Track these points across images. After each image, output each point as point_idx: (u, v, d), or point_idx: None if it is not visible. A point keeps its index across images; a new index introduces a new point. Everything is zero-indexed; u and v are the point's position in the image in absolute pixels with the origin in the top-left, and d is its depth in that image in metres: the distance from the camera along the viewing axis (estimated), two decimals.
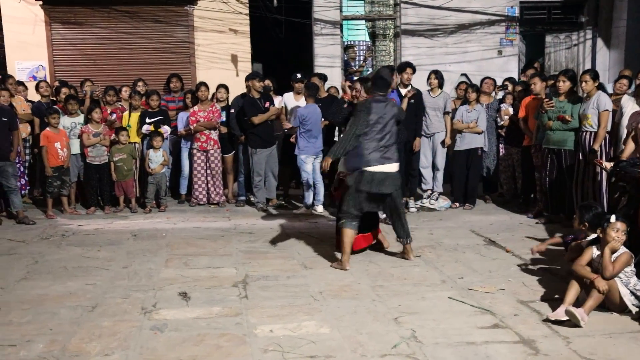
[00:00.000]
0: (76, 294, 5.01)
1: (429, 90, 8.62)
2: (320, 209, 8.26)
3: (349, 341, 3.99)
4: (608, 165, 6.13)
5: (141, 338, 4.09)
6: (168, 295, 4.95)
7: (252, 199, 8.77)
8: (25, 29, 10.48)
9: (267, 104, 8.51)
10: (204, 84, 8.92)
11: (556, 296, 4.70)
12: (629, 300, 4.33)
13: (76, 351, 3.88)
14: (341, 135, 6.24)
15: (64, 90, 8.93)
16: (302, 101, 8.51)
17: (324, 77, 9.24)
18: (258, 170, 8.44)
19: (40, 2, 10.55)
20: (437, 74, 8.61)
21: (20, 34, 10.50)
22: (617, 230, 4.44)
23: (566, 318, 4.19)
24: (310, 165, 8.17)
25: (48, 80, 10.35)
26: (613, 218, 4.52)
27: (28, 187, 8.81)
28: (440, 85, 8.60)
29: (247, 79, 8.63)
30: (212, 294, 4.97)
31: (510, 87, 9.04)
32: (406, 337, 4.03)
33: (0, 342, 4.02)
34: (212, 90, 9.12)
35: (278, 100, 9.04)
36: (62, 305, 4.73)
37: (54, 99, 9.05)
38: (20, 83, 9.11)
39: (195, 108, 8.79)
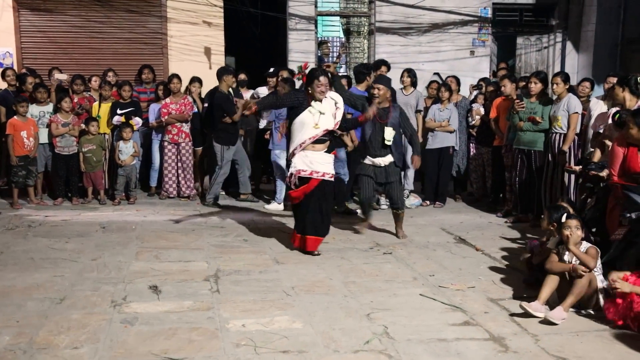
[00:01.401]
0: (44, 285, 4.92)
1: (401, 89, 8.67)
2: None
3: (321, 336, 3.99)
4: (578, 168, 6.26)
5: (111, 331, 4.03)
6: (138, 288, 4.89)
7: (208, 194, 8.57)
8: None
9: (236, 101, 8.43)
10: (176, 75, 8.82)
11: (524, 295, 4.78)
12: (602, 293, 4.43)
13: (44, 344, 3.81)
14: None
15: (30, 79, 8.73)
16: None
17: (293, 73, 9.23)
18: (226, 167, 8.37)
19: None
20: (410, 73, 8.67)
21: None
22: (569, 227, 4.56)
23: (541, 314, 4.27)
24: (284, 160, 8.14)
25: (15, 67, 10.11)
26: (564, 217, 4.65)
27: None
28: (413, 84, 8.66)
29: (221, 73, 8.52)
30: (184, 288, 4.93)
31: (484, 88, 9.14)
32: (378, 333, 4.06)
33: None
34: (185, 82, 9.03)
35: (248, 95, 9.00)
36: (29, 297, 4.63)
37: (20, 87, 8.82)
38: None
39: (168, 100, 8.69)
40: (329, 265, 5.62)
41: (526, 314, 4.31)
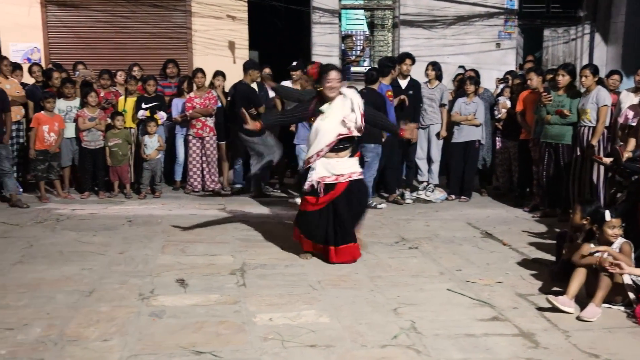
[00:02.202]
0: (72, 278, 4.97)
1: (426, 82, 8.61)
2: None
3: (348, 331, 3.98)
4: (607, 160, 6.13)
5: (139, 324, 4.06)
6: (165, 281, 4.92)
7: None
8: (21, 11, 10.34)
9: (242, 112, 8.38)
10: (200, 70, 8.86)
11: (554, 288, 4.72)
12: (631, 290, 4.34)
13: (74, 336, 3.85)
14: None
15: (56, 74, 8.82)
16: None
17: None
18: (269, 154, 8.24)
19: None
20: (435, 66, 8.61)
21: (15, 16, 10.35)
22: (613, 227, 4.46)
23: (569, 309, 4.21)
24: None
25: (42, 63, 10.24)
26: (608, 215, 4.51)
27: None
28: (438, 77, 8.60)
29: (248, 67, 8.51)
30: (210, 282, 4.94)
31: (510, 81, 9.03)
32: (406, 328, 4.03)
33: None
34: (209, 76, 9.05)
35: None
36: (58, 290, 4.69)
37: (47, 82, 8.92)
38: (17, 66, 8.99)
39: (192, 94, 8.73)
40: None
41: (555, 309, 4.25)
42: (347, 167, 5.40)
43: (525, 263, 5.57)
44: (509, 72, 9.49)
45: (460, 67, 10.46)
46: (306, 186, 5.39)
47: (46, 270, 5.18)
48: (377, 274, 5.19)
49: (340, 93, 5.37)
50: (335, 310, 4.34)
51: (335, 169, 5.35)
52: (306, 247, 5.60)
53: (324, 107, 5.34)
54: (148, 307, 4.36)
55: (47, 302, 4.43)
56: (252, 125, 5.50)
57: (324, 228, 5.40)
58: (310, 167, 5.40)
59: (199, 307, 4.38)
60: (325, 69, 5.39)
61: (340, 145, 5.35)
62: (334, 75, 5.30)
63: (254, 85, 8.50)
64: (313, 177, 5.34)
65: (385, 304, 4.49)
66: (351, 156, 5.48)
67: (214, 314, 4.26)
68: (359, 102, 5.39)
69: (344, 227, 5.38)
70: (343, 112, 5.33)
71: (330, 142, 5.31)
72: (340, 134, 5.31)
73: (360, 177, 5.50)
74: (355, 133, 5.39)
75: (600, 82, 7.26)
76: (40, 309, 4.28)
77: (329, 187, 5.37)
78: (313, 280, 4.99)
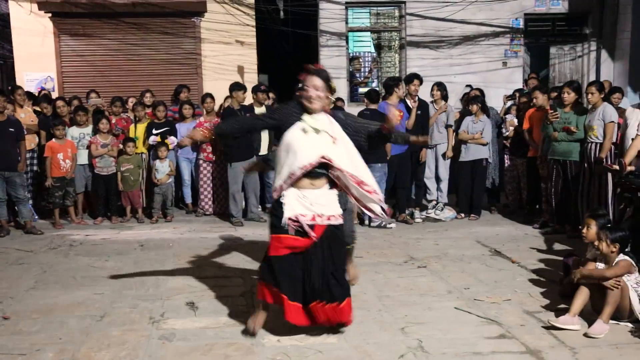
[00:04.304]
0: (85, 303, 5.05)
1: (432, 102, 8.69)
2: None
3: (356, 351, 4.01)
4: (616, 166, 6.12)
5: (150, 347, 4.12)
6: (176, 304, 4.98)
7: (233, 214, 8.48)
8: (35, 41, 10.59)
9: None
10: (209, 95, 9.01)
11: (561, 306, 4.72)
12: (637, 307, 4.34)
13: None
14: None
15: (60, 102, 8.93)
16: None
17: None
18: (233, 186, 8.32)
19: (50, 15, 10.68)
20: (440, 86, 8.70)
21: (29, 46, 10.62)
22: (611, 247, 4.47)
23: (573, 327, 4.22)
24: None
25: (56, 91, 10.46)
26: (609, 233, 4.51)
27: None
28: (444, 97, 8.67)
29: (231, 89, 8.53)
30: (220, 304, 4.99)
31: (517, 99, 9.08)
32: (413, 347, 4.05)
33: (10, 352, 4.06)
34: (219, 100, 9.19)
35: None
36: (71, 315, 4.76)
37: (55, 111, 9.06)
38: (31, 96, 9.19)
39: (202, 119, 8.86)
40: (363, 279, 5.62)
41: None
42: (326, 205, 4.12)
43: (534, 280, 5.57)
44: (517, 90, 9.55)
45: (467, 86, 10.54)
46: (284, 222, 4.03)
47: (59, 295, 5.26)
48: (385, 294, 5.22)
49: (324, 112, 4.17)
50: (343, 330, 4.37)
51: (312, 205, 4.07)
52: (271, 298, 4.19)
53: (306, 117, 4.09)
54: (158, 331, 4.42)
55: (60, 327, 4.51)
56: (198, 134, 4.48)
57: (303, 280, 4.11)
58: (280, 198, 4.11)
59: (208, 330, 4.43)
60: (308, 71, 4.15)
61: (318, 170, 4.06)
62: (316, 82, 4.08)
63: (258, 106, 8.58)
64: (288, 214, 4.04)
65: (393, 323, 4.52)
66: (330, 188, 4.20)
67: (223, 336, 4.31)
68: (340, 131, 4.16)
69: (313, 281, 4.08)
70: (334, 131, 4.11)
71: (306, 165, 3.99)
72: (323, 157, 4.01)
73: (341, 221, 4.20)
74: (338, 167, 4.06)
75: (606, 98, 7.29)
76: (53, 334, 4.35)
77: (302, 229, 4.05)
78: None
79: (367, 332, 4.33)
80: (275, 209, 4.14)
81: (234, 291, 5.33)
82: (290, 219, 4.03)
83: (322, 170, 4.07)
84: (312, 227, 4.04)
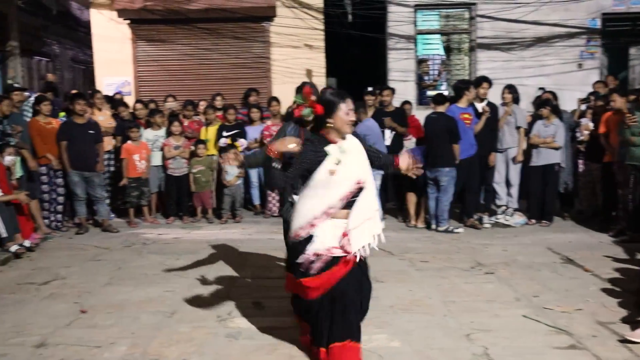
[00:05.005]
0: (156, 300, 5.23)
1: (502, 105, 8.51)
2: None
3: (419, 356, 3.99)
4: None
5: (216, 345, 4.23)
6: (242, 304, 5.08)
7: None
8: (113, 47, 11.03)
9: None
10: (275, 99, 9.16)
11: (638, 318, 4.54)
12: None
13: (156, 355, 4.07)
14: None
15: (138, 105, 9.40)
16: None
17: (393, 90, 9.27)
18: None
19: (128, 21, 11.11)
20: (511, 89, 8.51)
21: (108, 52, 11.07)
22: None
23: None
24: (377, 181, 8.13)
25: (132, 95, 10.87)
26: None
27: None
28: (515, 100, 8.47)
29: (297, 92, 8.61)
30: (286, 305, 5.04)
31: (592, 102, 8.78)
32: (478, 355, 4.00)
33: (86, 343, 4.26)
34: (289, 103, 9.31)
35: None
36: (143, 310, 4.95)
37: (133, 115, 9.45)
38: (109, 99, 9.60)
39: (269, 122, 9.01)
40: (428, 284, 5.59)
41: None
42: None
43: (608, 290, 5.37)
44: (592, 93, 9.22)
45: (540, 89, 10.26)
46: (304, 259, 3.68)
47: (132, 291, 5.48)
48: (450, 299, 5.16)
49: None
50: (407, 334, 4.36)
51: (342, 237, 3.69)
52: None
53: (332, 148, 3.67)
54: (225, 329, 4.53)
55: (132, 321, 4.69)
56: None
57: (322, 322, 3.79)
58: (308, 235, 3.68)
59: (274, 330, 4.50)
60: (338, 97, 3.69)
61: (353, 198, 3.71)
62: (351, 105, 3.72)
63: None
64: (317, 248, 3.67)
65: (457, 329, 4.47)
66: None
67: (288, 336, 4.37)
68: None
69: (347, 317, 3.74)
70: (361, 151, 3.83)
71: (346, 194, 3.67)
72: (359, 182, 3.70)
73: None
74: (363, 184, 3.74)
75: None
76: (126, 328, 4.54)
77: (330, 262, 3.69)
78: (385, 305, 5.01)
79: (430, 338, 4.30)
80: (295, 248, 3.75)
81: None
82: (318, 253, 3.66)
83: (355, 198, 3.70)
84: (337, 259, 3.69)
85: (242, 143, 9.03)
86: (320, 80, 11.12)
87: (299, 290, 3.84)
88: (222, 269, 6.20)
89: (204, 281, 5.74)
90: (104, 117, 8.92)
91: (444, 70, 11.89)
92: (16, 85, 9.03)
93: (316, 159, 3.63)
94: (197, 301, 5.17)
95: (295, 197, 3.95)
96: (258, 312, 4.90)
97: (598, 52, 11.40)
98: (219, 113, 9.39)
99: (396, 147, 8.27)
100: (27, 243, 7.01)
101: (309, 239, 3.68)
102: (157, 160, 8.87)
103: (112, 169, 9.05)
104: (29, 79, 12.67)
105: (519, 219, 8.37)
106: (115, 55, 11.07)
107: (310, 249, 3.67)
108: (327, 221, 3.67)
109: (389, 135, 8.66)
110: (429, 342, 4.22)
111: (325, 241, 3.66)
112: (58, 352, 4.13)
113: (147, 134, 8.90)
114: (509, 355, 3.98)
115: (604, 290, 5.39)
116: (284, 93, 9.86)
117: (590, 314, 4.77)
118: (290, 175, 3.71)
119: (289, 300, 5.05)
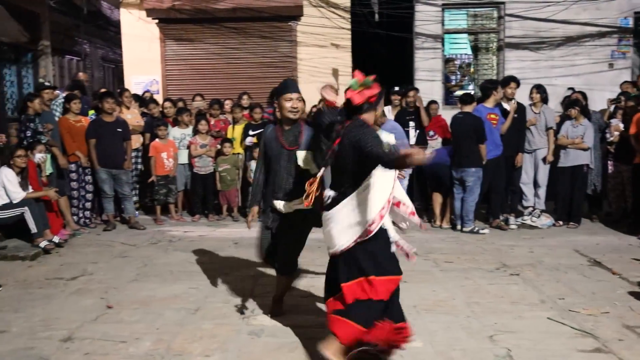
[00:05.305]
0: (180, 296, 5.29)
1: (531, 105, 8.41)
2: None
3: (442, 357, 3.97)
4: None
5: (239, 342, 4.26)
6: (266, 301, 5.10)
7: None
8: (142, 46, 11.16)
9: None
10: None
11: None
12: None
13: (180, 351, 4.11)
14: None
15: (167, 104, 9.48)
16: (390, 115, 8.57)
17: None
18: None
19: (157, 21, 11.24)
20: (540, 89, 8.42)
21: (137, 51, 11.22)
22: None
23: None
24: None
25: (160, 94, 10.99)
26: None
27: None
28: (544, 100, 8.37)
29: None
30: (308, 303, 5.08)
31: (623, 102, 8.63)
32: (501, 356, 3.96)
33: (112, 338, 4.33)
34: (314, 101, 9.33)
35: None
36: (167, 307, 5.01)
37: (163, 112, 9.55)
38: (138, 98, 9.72)
39: None
40: (452, 285, 5.56)
41: None
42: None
43: (636, 294, 5.28)
44: (622, 94, 9.06)
45: (569, 89, 10.13)
46: (397, 249, 3.75)
47: (157, 288, 5.54)
48: (474, 300, 5.12)
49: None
50: (429, 335, 4.34)
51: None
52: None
53: (382, 134, 3.84)
54: (248, 326, 4.56)
55: (157, 318, 4.75)
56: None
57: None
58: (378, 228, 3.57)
59: (296, 328, 4.52)
60: (382, 92, 3.83)
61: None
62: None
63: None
64: (395, 236, 3.74)
65: (481, 330, 4.43)
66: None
67: (310, 335, 4.37)
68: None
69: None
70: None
71: (395, 179, 3.71)
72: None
73: None
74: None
75: None
76: (151, 325, 4.60)
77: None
78: (409, 305, 4.97)
79: (454, 338, 4.28)
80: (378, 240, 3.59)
81: (322, 291, 5.37)
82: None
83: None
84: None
85: None
86: (346, 79, 11.11)
87: (378, 293, 3.58)
88: (247, 267, 6.24)
89: (227, 279, 5.79)
90: (132, 115, 9.03)
91: (467, 73, 11.78)
92: (47, 83, 9.17)
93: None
94: (220, 298, 5.22)
95: (330, 192, 3.77)
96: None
97: (630, 52, 11.19)
98: (246, 112, 9.44)
99: (421, 145, 8.25)
100: (56, 239, 7.14)
101: (379, 233, 3.55)
102: (183, 158, 8.96)
103: (139, 166, 9.16)
104: (60, 78, 12.88)
105: (546, 220, 8.27)
106: (144, 54, 11.20)
107: (393, 239, 3.65)
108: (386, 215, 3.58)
109: (413, 134, 8.64)
110: (451, 342, 4.20)
111: (393, 234, 3.64)
112: (84, 346, 4.21)
113: (174, 132, 9.00)
114: (533, 358, 3.94)
115: (632, 293, 5.30)
116: (310, 92, 9.86)
117: (617, 317, 4.70)
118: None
119: (312, 300, 5.10)
